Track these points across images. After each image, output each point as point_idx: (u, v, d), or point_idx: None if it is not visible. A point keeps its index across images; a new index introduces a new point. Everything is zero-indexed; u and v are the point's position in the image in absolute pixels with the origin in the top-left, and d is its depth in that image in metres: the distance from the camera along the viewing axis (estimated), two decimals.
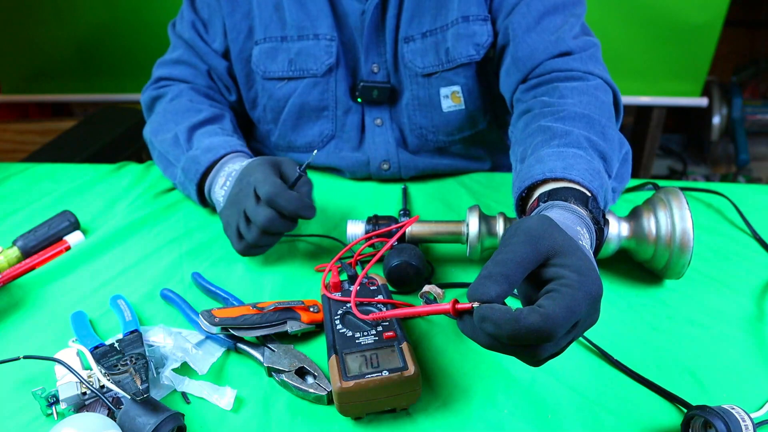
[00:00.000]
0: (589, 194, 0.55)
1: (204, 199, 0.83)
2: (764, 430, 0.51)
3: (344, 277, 0.64)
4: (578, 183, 0.56)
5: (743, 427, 0.46)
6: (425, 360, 0.59)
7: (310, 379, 0.55)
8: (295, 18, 0.86)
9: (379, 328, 0.55)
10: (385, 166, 0.92)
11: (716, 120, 2.25)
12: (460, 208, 0.86)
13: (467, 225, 0.68)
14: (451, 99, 0.87)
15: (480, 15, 0.82)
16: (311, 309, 0.62)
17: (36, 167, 1.03)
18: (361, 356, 0.52)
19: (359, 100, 0.89)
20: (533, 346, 0.42)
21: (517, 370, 0.57)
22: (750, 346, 0.60)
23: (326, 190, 0.92)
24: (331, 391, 0.53)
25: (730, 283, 0.69)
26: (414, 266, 0.66)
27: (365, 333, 0.55)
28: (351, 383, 0.49)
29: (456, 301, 0.45)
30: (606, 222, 0.56)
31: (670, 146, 2.50)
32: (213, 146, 0.79)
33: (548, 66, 0.76)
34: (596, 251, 0.54)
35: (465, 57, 0.83)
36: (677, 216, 0.63)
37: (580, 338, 0.60)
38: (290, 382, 0.55)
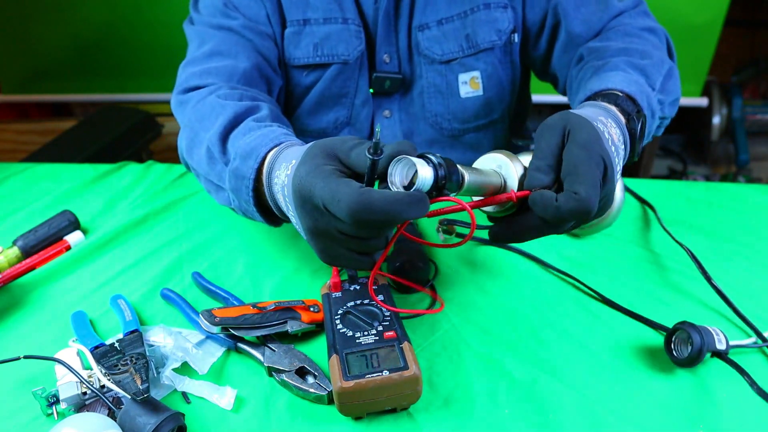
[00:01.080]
0: (619, 94, 0.61)
1: (275, 217, 0.62)
2: (738, 351, 0.58)
3: (345, 276, 0.64)
4: (610, 89, 0.62)
5: (716, 341, 0.54)
6: (426, 360, 0.59)
7: (310, 379, 0.55)
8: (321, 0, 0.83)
9: (380, 328, 0.55)
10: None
11: (716, 120, 2.24)
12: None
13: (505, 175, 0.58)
14: (469, 84, 0.87)
15: (500, 2, 0.83)
16: (311, 309, 0.62)
17: (36, 167, 1.03)
18: (362, 356, 0.52)
19: (371, 90, 0.89)
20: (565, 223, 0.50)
21: (517, 371, 0.57)
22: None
23: None
24: (331, 390, 0.53)
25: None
26: (419, 266, 0.66)
27: (366, 333, 0.55)
28: (351, 383, 0.49)
29: (514, 191, 0.51)
30: (641, 115, 0.61)
31: (670, 146, 2.50)
32: (251, 148, 0.59)
33: (604, 30, 0.80)
34: (633, 139, 0.60)
35: (488, 42, 0.85)
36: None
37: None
38: (291, 381, 0.55)
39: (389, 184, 0.45)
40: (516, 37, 0.86)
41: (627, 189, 0.88)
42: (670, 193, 0.89)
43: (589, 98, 0.63)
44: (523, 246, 0.75)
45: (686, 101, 1.87)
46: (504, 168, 0.52)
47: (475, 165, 0.53)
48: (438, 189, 0.45)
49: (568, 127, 0.51)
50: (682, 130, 2.54)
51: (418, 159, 0.44)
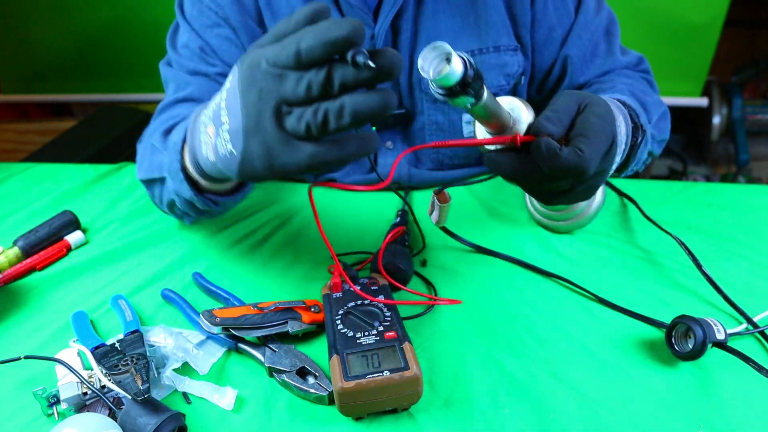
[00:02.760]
0: (628, 106, 0.65)
1: (200, 188, 0.61)
2: (736, 339, 0.60)
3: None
4: (622, 100, 0.66)
5: (716, 332, 0.55)
6: (426, 360, 0.59)
7: (311, 379, 0.55)
8: None
9: (381, 328, 0.55)
10: (394, 185, 0.90)
11: (716, 120, 2.25)
12: (469, 216, 0.85)
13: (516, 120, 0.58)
14: (473, 125, 0.85)
15: (510, 45, 0.81)
16: (312, 309, 0.62)
17: (36, 167, 1.03)
18: (363, 356, 0.52)
19: (373, 128, 0.85)
20: (557, 179, 0.52)
21: (517, 371, 0.57)
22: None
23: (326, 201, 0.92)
24: (332, 391, 0.53)
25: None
26: (400, 267, 0.66)
27: (366, 333, 0.55)
28: (352, 383, 0.49)
29: (519, 135, 0.52)
30: (643, 131, 0.65)
31: (670, 146, 2.50)
32: (185, 122, 0.60)
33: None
34: (631, 150, 0.63)
35: (495, 87, 0.83)
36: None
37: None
38: (291, 382, 0.55)
39: (419, 70, 0.43)
40: (524, 80, 0.85)
41: (608, 184, 0.89)
42: (670, 193, 0.89)
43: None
44: (518, 254, 0.75)
45: (686, 101, 1.87)
46: (515, 111, 0.53)
47: None
48: (462, 86, 0.44)
49: (587, 101, 0.53)
50: (682, 130, 2.54)
51: (453, 50, 0.43)
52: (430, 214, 0.61)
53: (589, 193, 0.57)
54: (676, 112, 2.65)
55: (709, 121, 2.25)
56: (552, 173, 0.50)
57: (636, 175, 0.94)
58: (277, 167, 0.46)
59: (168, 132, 0.67)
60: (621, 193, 0.87)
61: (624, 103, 0.65)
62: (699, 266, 0.67)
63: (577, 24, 0.82)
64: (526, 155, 0.52)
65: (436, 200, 0.60)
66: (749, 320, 0.62)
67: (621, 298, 0.67)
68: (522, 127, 0.52)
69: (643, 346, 0.60)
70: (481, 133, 0.58)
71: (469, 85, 0.44)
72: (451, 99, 0.45)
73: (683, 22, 1.71)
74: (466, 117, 0.84)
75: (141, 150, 0.76)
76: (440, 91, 0.44)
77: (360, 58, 0.41)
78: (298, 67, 0.42)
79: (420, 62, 0.43)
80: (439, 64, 0.43)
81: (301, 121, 0.43)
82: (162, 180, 0.67)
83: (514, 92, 0.86)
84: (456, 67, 0.43)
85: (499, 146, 0.54)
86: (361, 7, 0.77)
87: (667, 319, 0.59)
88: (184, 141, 0.59)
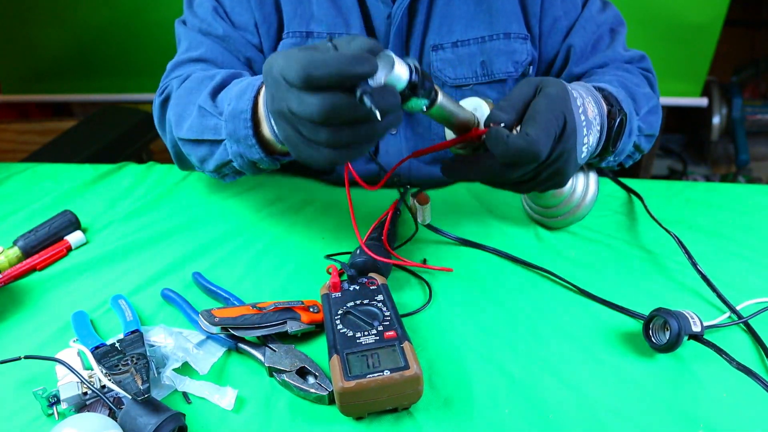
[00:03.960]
0: (607, 91, 0.65)
1: (276, 152, 0.64)
2: (712, 331, 0.61)
3: (344, 277, 0.64)
4: (601, 87, 0.66)
5: (692, 324, 0.56)
6: (426, 360, 0.59)
7: (311, 379, 0.55)
8: (325, 12, 0.79)
9: (380, 328, 0.55)
10: (395, 179, 0.90)
11: (716, 120, 2.25)
12: (468, 213, 0.86)
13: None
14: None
15: (520, 33, 0.82)
16: (311, 309, 0.62)
17: (36, 167, 1.03)
18: (363, 356, 0.52)
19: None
20: (512, 167, 0.53)
21: (517, 370, 0.57)
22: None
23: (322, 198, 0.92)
24: (332, 391, 0.53)
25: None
26: (378, 266, 0.66)
27: (366, 333, 0.55)
28: (352, 383, 0.49)
29: (474, 129, 0.54)
30: (623, 112, 0.64)
31: (670, 146, 2.50)
32: (244, 88, 0.62)
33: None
34: (609, 132, 0.63)
35: (503, 73, 0.83)
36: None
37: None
38: (291, 382, 0.55)
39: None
40: (531, 70, 0.85)
41: (616, 181, 0.89)
42: (670, 193, 0.89)
43: None
44: (513, 250, 0.75)
45: (686, 101, 1.87)
46: (479, 110, 0.55)
47: None
48: (412, 89, 0.48)
49: (542, 85, 0.54)
50: (682, 130, 2.54)
51: (397, 57, 0.47)
52: (414, 215, 0.64)
53: (557, 178, 0.57)
54: (676, 112, 2.64)
55: (709, 121, 2.26)
56: (505, 161, 0.51)
57: (636, 175, 0.94)
58: (303, 159, 0.51)
59: (216, 93, 0.67)
60: (628, 189, 0.87)
61: (600, 89, 0.65)
62: (694, 264, 0.69)
63: (583, 17, 0.83)
64: (481, 153, 0.53)
65: (415, 202, 0.63)
66: (732, 308, 0.64)
67: (619, 295, 0.67)
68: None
69: (643, 345, 0.60)
70: (450, 136, 0.59)
71: (417, 88, 0.47)
72: (404, 103, 0.49)
73: (683, 22, 1.71)
74: None
75: (177, 107, 0.73)
76: None
77: (367, 101, 0.43)
78: (304, 88, 0.45)
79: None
80: (388, 72, 0.46)
81: (312, 134, 0.47)
82: (213, 142, 0.67)
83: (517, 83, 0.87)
84: (400, 73, 0.46)
85: (463, 148, 0.56)
86: None
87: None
88: (254, 108, 0.60)
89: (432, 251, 0.76)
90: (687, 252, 0.70)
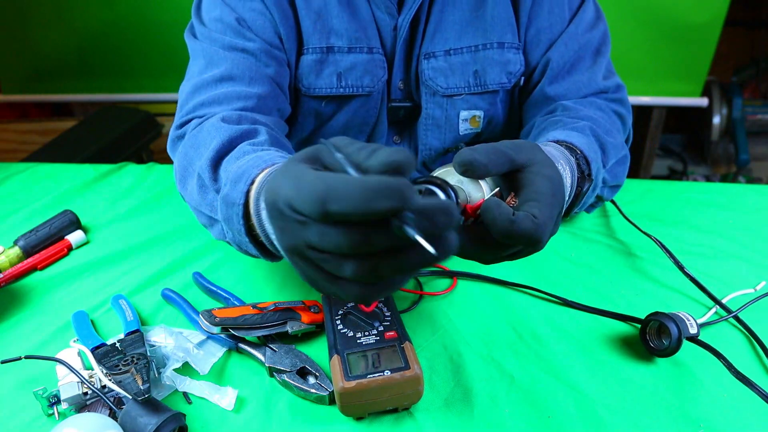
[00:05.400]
0: (578, 152, 0.60)
1: (269, 251, 0.54)
2: (705, 329, 0.62)
3: None
4: (574, 145, 0.61)
5: (689, 326, 0.56)
6: (426, 360, 0.59)
7: (311, 379, 0.55)
8: (347, 27, 0.77)
9: (381, 328, 0.55)
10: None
11: (716, 120, 2.25)
12: None
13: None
14: (469, 123, 0.84)
15: (514, 43, 0.80)
16: (311, 309, 0.62)
17: (36, 167, 1.03)
18: (363, 356, 0.52)
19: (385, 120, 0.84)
20: (516, 252, 0.48)
21: (517, 371, 0.57)
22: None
23: None
24: (332, 391, 0.53)
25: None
26: None
27: (366, 333, 0.55)
28: (353, 383, 0.49)
29: (467, 205, 0.47)
30: (590, 179, 0.61)
31: (670, 146, 2.50)
32: (242, 171, 0.53)
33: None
34: (574, 199, 0.61)
35: (496, 84, 0.81)
36: None
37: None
38: (292, 382, 0.55)
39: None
40: (522, 81, 0.83)
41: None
42: (670, 193, 0.89)
43: (551, 142, 0.62)
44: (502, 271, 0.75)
45: (686, 101, 1.87)
46: (464, 184, 0.49)
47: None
48: None
49: (538, 158, 0.48)
50: (682, 130, 2.54)
51: (436, 188, 0.44)
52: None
53: (533, 252, 0.50)
54: (676, 112, 2.65)
55: (709, 121, 2.26)
56: (505, 240, 0.44)
57: (636, 175, 0.94)
58: (326, 293, 0.45)
59: (217, 161, 0.60)
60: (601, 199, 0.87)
61: (574, 149, 0.61)
62: (676, 262, 0.70)
63: (567, 32, 0.79)
64: (473, 227, 0.47)
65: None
66: (718, 302, 0.64)
67: (609, 299, 0.67)
68: (476, 196, 0.49)
69: (642, 345, 0.60)
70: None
71: None
72: None
73: (683, 22, 1.71)
74: (463, 114, 0.83)
75: (182, 161, 0.66)
76: None
77: (409, 231, 0.33)
78: (322, 222, 0.35)
79: None
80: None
81: (337, 269, 0.37)
82: (212, 218, 0.61)
83: (513, 93, 0.84)
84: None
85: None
86: None
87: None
88: (247, 197, 0.52)
89: None
90: (667, 250, 0.71)
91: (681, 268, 0.69)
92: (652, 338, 0.59)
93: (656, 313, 0.58)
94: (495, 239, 0.45)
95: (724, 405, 0.53)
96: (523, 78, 0.83)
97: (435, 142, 0.85)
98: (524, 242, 0.44)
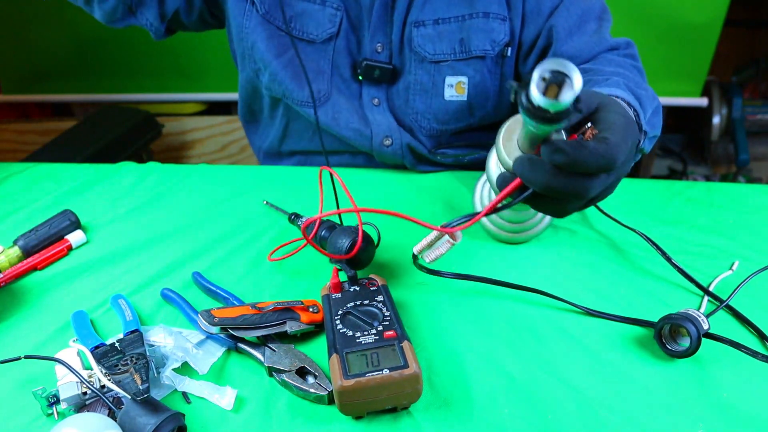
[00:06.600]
0: (626, 104, 0.62)
1: None
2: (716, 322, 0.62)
3: (344, 278, 0.64)
4: (619, 96, 0.63)
5: (702, 322, 0.56)
6: (426, 359, 0.59)
7: (310, 379, 0.55)
8: None
9: (380, 328, 0.55)
10: (387, 142, 0.92)
11: (716, 120, 2.24)
12: (459, 206, 0.86)
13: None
14: (455, 89, 0.88)
15: (500, 14, 0.83)
16: (311, 309, 0.62)
17: (36, 167, 1.03)
18: (362, 355, 0.52)
19: (360, 78, 0.90)
20: (588, 178, 0.48)
21: (517, 371, 0.57)
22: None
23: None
24: (331, 391, 0.53)
25: None
26: (363, 246, 0.65)
27: (366, 332, 0.55)
28: (352, 382, 0.49)
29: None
30: (644, 134, 0.64)
31: (670, 146, 2.50)
32: None
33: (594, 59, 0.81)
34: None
35: (480, 50, 0.85)
36: None
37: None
38: (291, 381, 0.55)
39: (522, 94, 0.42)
40: (509, 51, 0.86)
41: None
42: (670, 193, 0.89)
43: None
44: (499, 275, 0.75)
45: (686, 101, 1.87)
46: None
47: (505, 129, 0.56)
48: (567, 114, 0.42)
49: (605, 101, 0.51)
50: (682, 130, 2.54)
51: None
52: (425, 250, 0.55)
53: (612, 183, 0.53)
54: (676, 112, 2.64)
55: (709, 121, 2.25)
56: (580, 167, 0.46)
57: (636, 175, 0.94)
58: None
59: None
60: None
61: (627, 103, 0.64)
62: (664, 254, 0.70)
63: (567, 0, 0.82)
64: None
65: (447, 236, 0.53)
66: (706, 291, 0.66)
67: (615, 299, 0.67)
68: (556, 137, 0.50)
69: (641, 344, 0.60)
70: (497, 168, 0.59)
71: (573, 110, 0.42)
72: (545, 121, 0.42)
73: (683, 22, 1.71)
74: (449, 80, 0.87)
75: None
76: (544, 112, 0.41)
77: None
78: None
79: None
80: (547, 77, 0.40)
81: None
82: None
83: (500, 63, 0.87)
84: (578, 87, 0.40)
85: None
86: None
87: (654, 317, 0.60)
88: None
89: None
90: (653, 243, 0.72)
91: (668, 259, 0.69)
92: (668, 341, 0.58)
93: (667, 317, 0.58)
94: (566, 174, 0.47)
95: (725, 405, 0.53)
96: (510, 49, 0.86)
97: (421, 105, 0.90)
98: (600, 166, 0.46)
